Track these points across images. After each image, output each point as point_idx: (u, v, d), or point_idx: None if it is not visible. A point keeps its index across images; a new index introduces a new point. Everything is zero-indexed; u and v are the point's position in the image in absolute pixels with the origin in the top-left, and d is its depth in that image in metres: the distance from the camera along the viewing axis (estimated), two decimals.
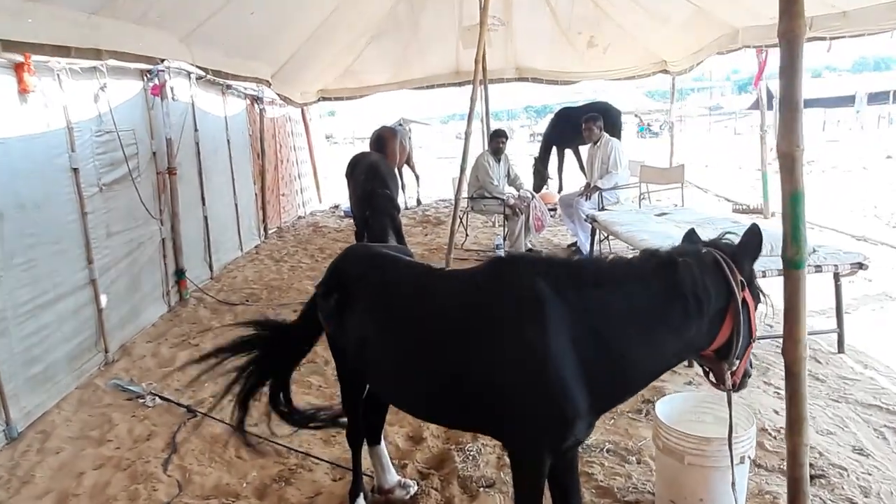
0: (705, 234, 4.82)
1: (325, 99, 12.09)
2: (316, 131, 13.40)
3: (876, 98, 27.84)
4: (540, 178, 11.02)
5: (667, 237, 4.51)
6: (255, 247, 8.63)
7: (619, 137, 9.76)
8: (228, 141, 7.85)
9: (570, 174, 11.75)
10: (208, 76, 6.50)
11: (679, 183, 7.06)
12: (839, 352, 4.13)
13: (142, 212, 5.34)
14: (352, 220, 10.90)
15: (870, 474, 2.84)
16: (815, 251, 4.01)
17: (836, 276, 4.05)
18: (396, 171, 10.34)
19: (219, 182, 7.46)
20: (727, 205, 9.82)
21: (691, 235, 2.19)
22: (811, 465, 2.85)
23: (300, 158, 11.75)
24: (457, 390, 2.07)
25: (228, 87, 7.80)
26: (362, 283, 2.35)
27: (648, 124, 30.73)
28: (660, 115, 32.18)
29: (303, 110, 12.29)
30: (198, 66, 6.03)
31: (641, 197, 7.38)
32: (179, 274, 6.09)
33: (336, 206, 11.98)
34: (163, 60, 5.34)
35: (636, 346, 1.92)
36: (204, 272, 6.82)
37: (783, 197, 2.02)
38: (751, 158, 13.03)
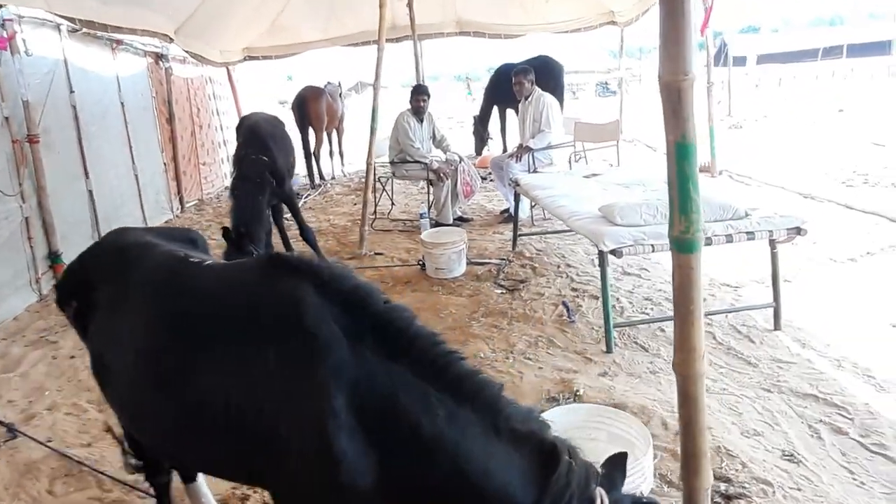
0: (634, 196, 4.30)
1: (251, 58, 11.09)
2: (259, 95, 12.42)
3: (830, 52, 27.66)
4: (480, 139, 10.35)
5: (589, 201, 3.91)
6: (166, 222, 7.81)
7: (561, 95, 9.10)
8: (123, 104, 6.95)
9: (514, 134, 11.08)
10: (83, 29, 5.59)
11: (614, 140, 6.46)
12: (775, 329, 3.64)
13: None
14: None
15: (799, 489, 2.33)
16: (747, 215, 3.46)
17: (772, 244, 3.52)
18: (318, 134, 9.52)
19: (110, 151, 6.59)
20: None
21: (617, 465, 1.53)
22: (730, 480, 2.33)
23: (225, 124, 10.79)
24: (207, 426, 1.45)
25: (119, 42, 6.86)
26: (104, 284, 1.69)
27: (606, 83, 30.08)
28: (619, 73, 31.63)
29: (228, 71, 11.29)
30: (58, 15, 5.12)
31: (577, 157, 6.77)
32: (53, 258, 5.29)
33: None
34: (2, 6, 4.45)
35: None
36: None
37: (667, 148, 1.41)
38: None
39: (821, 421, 2.76)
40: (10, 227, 4.82)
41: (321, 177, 9.93)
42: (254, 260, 1.58)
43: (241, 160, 4.30)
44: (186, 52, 8.31)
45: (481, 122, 10.40)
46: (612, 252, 3.32)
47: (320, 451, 1.31)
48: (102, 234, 5.95)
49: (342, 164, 10.76)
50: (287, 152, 4.76)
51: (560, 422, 2.19)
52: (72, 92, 5.84)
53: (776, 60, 28.71)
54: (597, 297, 4.30)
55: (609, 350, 3.50)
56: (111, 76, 6.79)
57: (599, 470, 1.50)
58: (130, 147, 7.05)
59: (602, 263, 3.43)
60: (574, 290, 4.49)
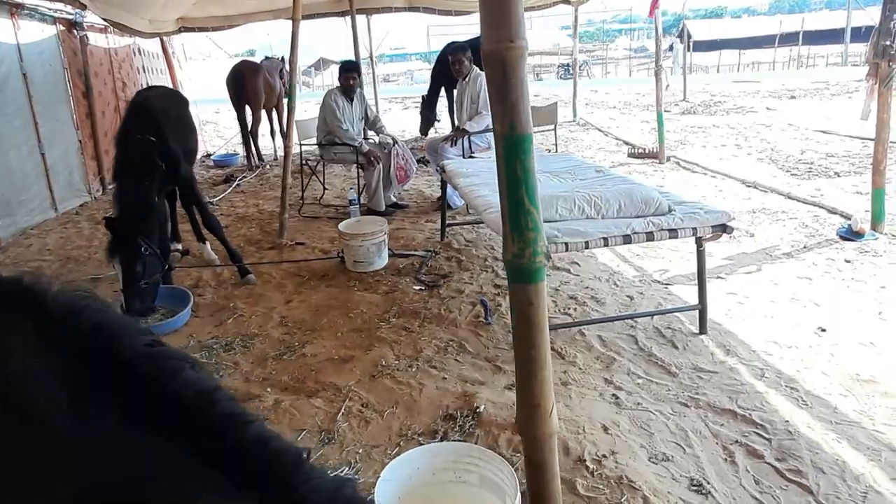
0: (565, 186, 3.97)
1: (186, 29, 10.35)
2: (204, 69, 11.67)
3: (787, 39, 27.86)
4: (426, 120, 9.92)
5: None
6: (81, 205, 7.21)
7: None
8: (25, 76, 6.31)
9: None
10: None
11: (552, 124, 6.13)
12: (700, 332, 3.37)
13: None
14: (220, 170, 9.61)
15: None
16: (671, 210, 3.16)
17: (699, 242, 3.23)
18: (255, 112, 8.95)
19: (9, 128, 5.99)
20: (625, 148, 9.05)
21: None
22: None
23: None
24: None
25: (19, 6, 6.20)
26: None
27: (568, 65, 29.80)
28: (582, 55, 31.36)
29: (162, 42, 10.58)
30: None
31: None
32: None
33: (207, 156, 10.50)
34: None
35: None
36: None
37: (495, 140, 1.05)
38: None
39: (736, 442, 2.49)
40: None
41: (259, 158, 9.39)
42: None
43: (124, 141, 3.80)
44: (105, 20, 7.63)
45: (428, 103, 9.96)
46: None
47: None
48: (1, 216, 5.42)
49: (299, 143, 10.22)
50: (184, 133, 4.27)
51: (428, 463, 1.87)
52: None
53: (736, 46, 28.81)
54: None
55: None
56: (9, 44, 6.14)
57: None
58: (36, 123, 6.43)
59: None
60: (497, 286, 4.16)
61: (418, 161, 7.25)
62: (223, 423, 1.02)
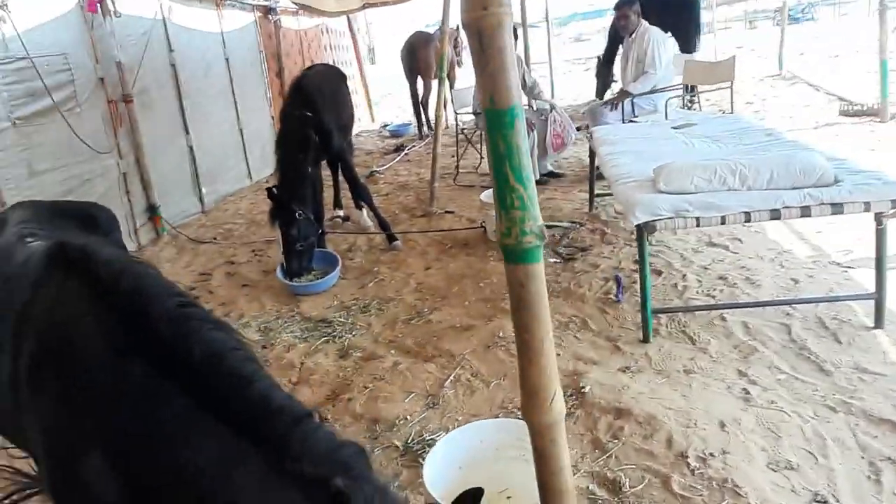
0: (724, 151, 3.59)
1: (370, 5, 11.07)
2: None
3: None
4: (602, 82, 9.46)
5: (657, 160, 3.29)
6: (271, 174, 8.18)
7: (696, 29, 7.94)
8: (227, 60, 7.29)
9: None
10: None
11: (728, 80, 5.49)
12: (875, 327, 2.87)
13: (87, 146, 4.96)
14: (393, 140, 10.22)
15: None
16: (837, 182, 2.71)
17: (878, 219, 2.73)
18: (427, 82, 9.27)
19: (213, 107, 6.98)
20: (836, 105, 7.78)
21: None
22: None
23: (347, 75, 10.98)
24: None
25: None
26: None
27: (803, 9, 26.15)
28: None
29: (349, 21, 11.44)
30: None
31: (691, 101, 5.89)
32: (152, 211, 5.78)
33: (385, 126, 11.22)
34: None
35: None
36: (192, 206, 6.49)
37: (488, 120, 1.02)
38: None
39: (889, 458, 2.11)
40: (107, 183, 5.29)
41: (429, 127, 9.79)
42: (44, 249, 1.45)
43: (285, 117, 4.26)
44: (297, 3, 8.47)
45: (605, 63, 9.48)
46: (645, 226, 2.79)
47: (67, 479, 1.18)
48: (204, 188, 6.41)
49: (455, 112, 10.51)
50: (338, 108, 4.63)
51: (493, 437, 1.89)
52: (171, 51, 6.20)
53: None
54: (661, 273, 3.73)
55: (646, 339, 3.00)
56: (215, 33, 7.11)
57: None
58: (235, 103, 7.42)
59: (640, 239, 2.91)
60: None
61: (579, 129, 7.01)
62: (228, 382, 1.16)
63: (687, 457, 2.20)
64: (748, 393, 2.54)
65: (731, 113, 5.41)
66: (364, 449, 1.29)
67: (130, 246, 5.51)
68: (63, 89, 4.82)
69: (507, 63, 0.96)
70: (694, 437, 2.29)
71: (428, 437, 2.51)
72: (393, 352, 3.30)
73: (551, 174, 6.26)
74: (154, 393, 1.12)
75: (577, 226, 4.70)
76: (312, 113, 4.18)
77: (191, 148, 6.46)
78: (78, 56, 5.01)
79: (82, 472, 1.16)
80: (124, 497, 1.14)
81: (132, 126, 5.55)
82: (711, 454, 2.20)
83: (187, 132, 6.42)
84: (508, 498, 1.90)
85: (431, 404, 2.78)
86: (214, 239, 5.64)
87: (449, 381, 2.92)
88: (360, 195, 4.80)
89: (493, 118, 0.98)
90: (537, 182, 5.87)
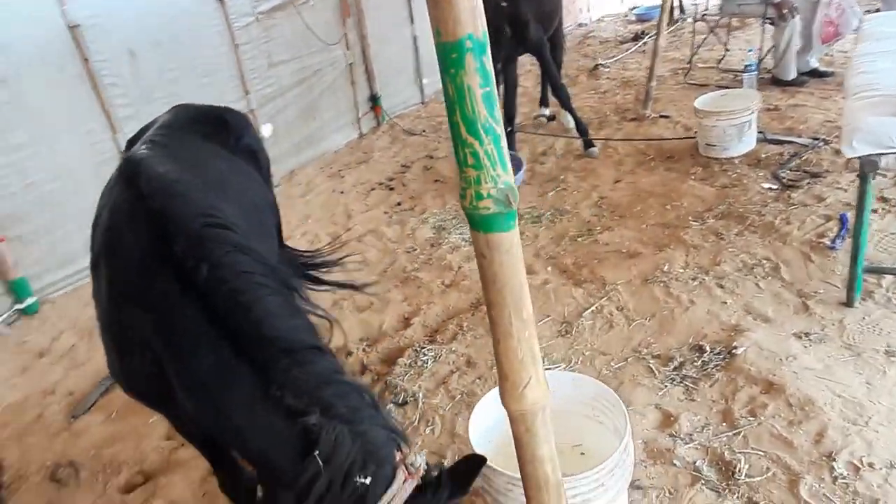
0: None
1: None
2: None
3: None
4: None
5: None
6: None
7: None
8: None
9: None
10: None
11: None
12: None
13: (318, 38, 5.43)
14: (640, 26, 9.22)
15: None
16: None
17: None
18: None
19: None
20: None
21: (462, 468, 1.27)
22: None
23: None
24: None
25: None
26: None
27: None
28: None
29: None
30: None
31: None
32: (373, 100, 6.21)
33: (632, 9, 10.15)
34: None
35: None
36: (412, 96, 6.80)
37: (437, 56, 0.85)
38: None
39: None
40: (335, 73, 5.79)
41: (681, 10, 8.60)
42: (121, 161, 1.59)
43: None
44: None
45: None
46: (865, 160, 2.16)
47: None
48: (424, 79, 6.67)
49: None
50: None
51: (569, 391, 1.75)
52: None
53: None
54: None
55: (849, 303, 2.43)
56: None
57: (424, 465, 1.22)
58: None
59: (861, 177, 2.27)
60: (885, 200, 3.11)
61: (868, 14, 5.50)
62: (226, 304, 1.24)
63: (835, 460, 1.80)
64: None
65: None
66: (361, 387, 1.31)
67: (352, 134, 6.06)
68: None
69: None
70: (856, 439, 1.85)
71: (546, 367, 2.44)
72: (549, 269, 3.19)
73: (814, 73, 5.12)
74: (172, 304, 1.26)
75: (819, 144, 3.84)
76: (507, 2, 3.94)
77: (415, 38, 6.65)
78: None
79: (127, 359, 1.38)
80: (158, 383, 1.33)
81: (359, 17, 5.88)
82: (871, 464, 1.76)
83: (412, 22, 6.59)
84: (581, 454, 1.78)
85: (563, 332, 2.67)
86: (423, 131, 5.88)
87: (590, 310, 2.76)
88: (558, 96, 4.51)
89: (441, 54, 0.81)
90: (792, 82, 4.89)
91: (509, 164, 0.89)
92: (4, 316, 3.57)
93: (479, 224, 0.89)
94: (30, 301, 3.64)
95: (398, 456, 1.24)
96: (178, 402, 1.31)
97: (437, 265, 3.45)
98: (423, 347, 2.73)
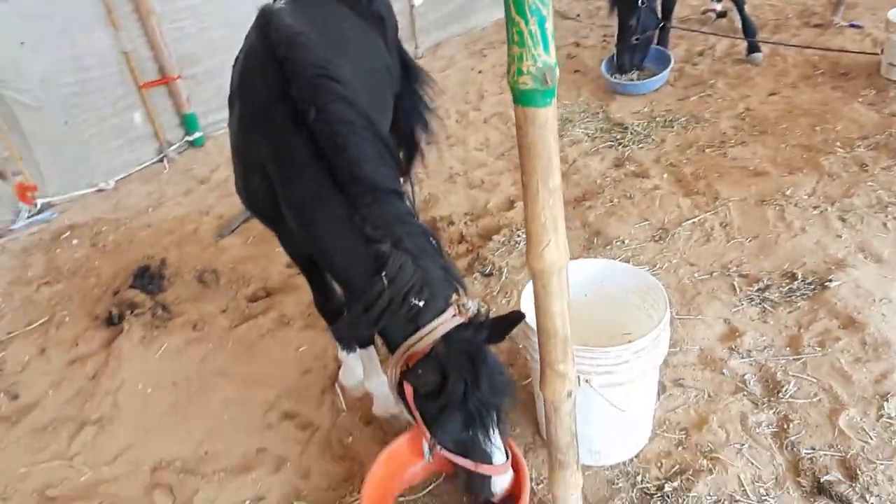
0: None
1: None
2: None
3: None
4: None
5: None
6: None
7: None
8: None
9: None
10: None
11: None
12: None
13: None
14: None
15: None
16: None
17: None
18: None
19: None
20: None
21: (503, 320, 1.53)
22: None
23: None
24: None
25: None
26: None
27: None
28: None
29: None
30: None
31: None
32: None
33: None
34: None
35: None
36: None
37: None
38: None
39: None
40: None
41: None
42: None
43: None
44: None
45: None
46: None
47: None
48: None
49: None
50: None
51: (622, 280, 1.89)
52: None
53: None
54: None
55: None
56: None
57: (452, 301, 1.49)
58: None
59: None
60: None
61: None
62: (326, 142, 1.50)
63: (887, 400, 1.81)
64: None
65: None
66: (428, 231, 1.56)
67: (502, 12, 5.97)
68: None
69: None
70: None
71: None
72: (664, 176, 3.18)
73: None
74: (285, 137, 1.56)
75: None
76: None
77: None
78: None
79: (248, 178, 1.72)
80: (271, 201, 1.68)
81: None
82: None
83: None
84: (629, 341, 1.93)
85: (658, 238, 2.73)
86: (577, 16, 5.68)
87: (692, 221, 2.77)
88: None
89: None
90: None
91: (552, 46, 1.02)
92: (176, 145, 4.24)
93: (519, 98, 1.04)
94: (197, 135, 4.27)
95: (454, 297, 1.51)
96: (285, 221, 1.66)
97: None
98: (519, 230, 2.92)
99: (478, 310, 1.51)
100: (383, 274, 1.44)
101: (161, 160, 4.15)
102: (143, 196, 3.83)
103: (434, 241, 1.57)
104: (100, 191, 3.90)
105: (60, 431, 2.25)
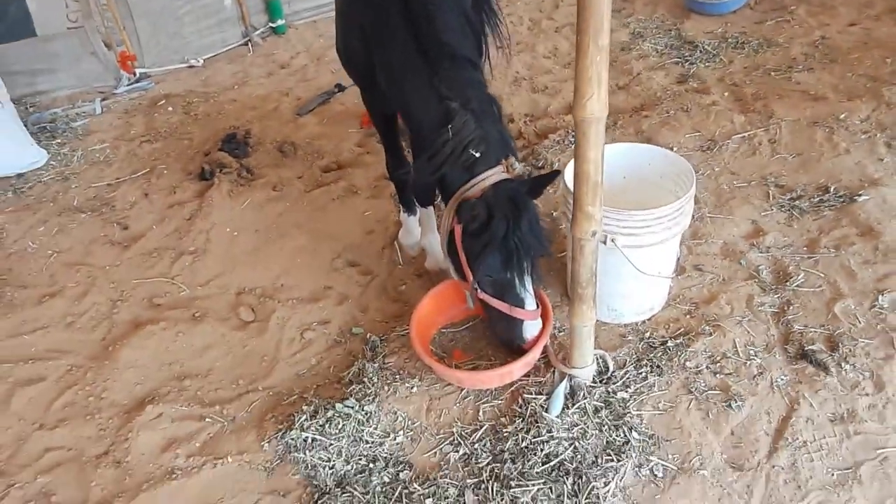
0: None
1: None
2: None
3: None
4: None
5: None
6: None
7: None
8: None
9: None
10: None
11: None
12: None
13: None
14: None
15: None
16: None
17: None
18: None
19: None
20: None
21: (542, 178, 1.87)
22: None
23: None
24: None
25: None
26: None
27: None
28: None
29: None
30: None
31: None
32: None
33: None
34: None
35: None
36: None
37: None
38: None
39: None
40: None
41: None
42: None
43: None
44: None
45: None
46: None
47: None
48: None
49: None
50: None
51: (659, 164, 2.18)
52: None
53: None
54: None
55: None
56: None
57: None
58: None
59: None
60: None
61: None
62: (420, 20, 1.81)
63: (883, 294, 2.09)
64: None
65: None
66: (493, 99, 1.88)
67: None
68: None
69: None
70: None
71: None
72: (725, 94, 3.36)
73: None
74: (385, 5, 1.87)
75: None
76: None
77: None
78: None
79: (348, 39, 2.08)
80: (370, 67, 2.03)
81: None
82: None
83: None
84: None
85: (705, 148, 2.96)
86: None
87: (742, 136, 2.98)
88: None
89: None
90: None
91: None
92: (260, 30, 4.61)
93: None
94: (280, 22, 4.62)
95: (504, 161, 1.85)
96: (375, 81, 2.00)
97: (619, 68, 3.74)
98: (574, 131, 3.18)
99: (523, 171, 1.85)
100: (449, 126, 1.78)
101: (246, 44, 4.54)
102: (229, 75, 4.25)
103: (497, 109, 1.89)
104: (190, 67, 4.34)
105: (164, 256, 2.75)
